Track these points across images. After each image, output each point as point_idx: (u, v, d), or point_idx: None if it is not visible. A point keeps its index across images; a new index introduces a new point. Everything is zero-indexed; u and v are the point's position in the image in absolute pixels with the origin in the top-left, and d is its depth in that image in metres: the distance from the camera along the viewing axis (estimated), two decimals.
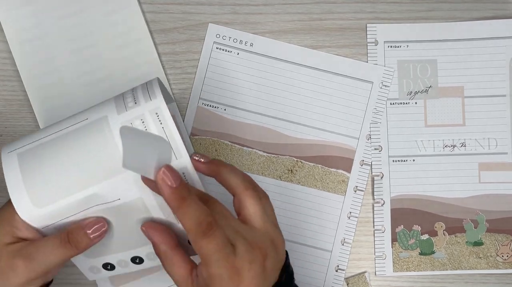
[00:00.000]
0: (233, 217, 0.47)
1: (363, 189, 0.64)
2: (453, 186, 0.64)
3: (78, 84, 0.63)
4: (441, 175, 0.64)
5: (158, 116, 0.47)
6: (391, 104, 0.65)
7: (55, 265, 0.48)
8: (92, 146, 0.47)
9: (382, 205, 0.64)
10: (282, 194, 0.64)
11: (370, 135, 0.64)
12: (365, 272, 0.64)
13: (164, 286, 0.62)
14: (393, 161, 0.64)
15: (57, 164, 0.47)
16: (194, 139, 0.63)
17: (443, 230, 0.64)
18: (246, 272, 0.44)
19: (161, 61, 0.64)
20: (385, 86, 0.64)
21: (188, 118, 0.64)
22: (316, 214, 0.64)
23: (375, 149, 0.64)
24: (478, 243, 0.64)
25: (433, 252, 0.64)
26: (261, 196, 0.48)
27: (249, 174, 0.53)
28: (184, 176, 0.48)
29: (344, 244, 0.64)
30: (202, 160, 0.50)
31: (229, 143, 0.64)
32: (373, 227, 0.64)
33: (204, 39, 0.64)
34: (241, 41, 0.64)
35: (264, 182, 0.64)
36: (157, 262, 0.50)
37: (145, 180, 0.46)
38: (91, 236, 0.48)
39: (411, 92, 0.65)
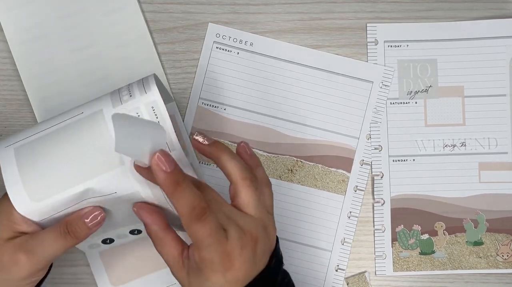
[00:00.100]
0: (226, 203, 0.48)
1: (363, 189, 0.64)
2: (453, 185, 0.64)
3: (78, 83, 0.63)
4: (441, 175, 0.64)
5: (154, 110, 0.47)
6: (391, 103, 0.65)
7: (57, 256, 0.49)
8: (87, 140, 0.47)
9: (382, 204, 0.64)
10: (282, 193, 0.64)
11: (370, 134, 0.64)
12: (365, 271, 0.64)
13: (163, 286, 0.62)
14: (393, 160, 0.64)
15: (54, 159, 0.47)
16: None
17: (443, 230, 0.64)
18: (237, 257, 0.45)
19: (161, 61, 0.64)
20: (385, 85, 0.64)
21: (188, 118, 0.64)
22: (316, 214, 0.64)
23: (375, 148, 0.64)
24: (478, 243, 0.64)
25: (433, 252, 0.64)
26: (258, 186, 0.49)
27: None
28: None
29: (344, 243, 0.64)
30: (203, 141, 0.50)
31: (229, 143, 0.64)
32: (373, 226, 0.64)
33: (204, 38, 0.64)
34: (241, 41, 0.64)
35: None
36: None
37: (138, 168, 0.46)
38: (90, 224, 0.49)
39: (411, 91, 0.65)
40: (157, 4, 0.64)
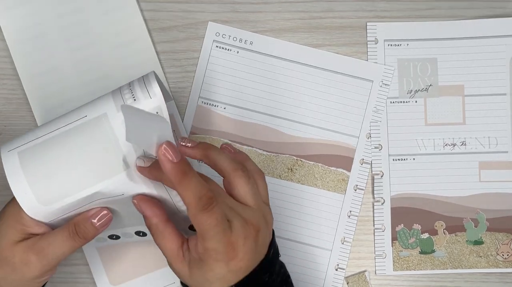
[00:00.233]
0: (227, 195, 0.49)
1: (363, 188, 0.64)
2: (453, 185, 0.64)
3: (77, 83, 0.63)
4: (441, 174, 0.64)
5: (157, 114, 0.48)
6: (391, 102, 0.65)
7: (65, 256, 0.50)
8: (94, 145, 0.48)
9: (382, 203, 0.64)
10: (282, 193, 0.64)
11: (370, 133, 0.64)
12: (365, 271, 0.64)
13: (162, 285, 0.62)
14: (393, 159, 0.64)
15: (61, 163, 0.48)
16: (194, 137, 0.63)
17: (443, 229, 0.64)
18: (241, 247, 0.46)
19: (160, 60, 0.63)
20: (385, 84, 0.64)
21: (187, 117, 0.64)
22: (316, 213, 0.64)
23: (375, 147, 0.64)
24: (478, 242, 0.64)
25: (433, 251, 0.64)
26: (250, 175, 0.49)
27: None
28: None
29: (344, 243, 0.64)
30: (189, 145, 0.50)
31: (229, 142, 0.63)
32: (373, 226, 0.64)
33: (203, 37, 0.64)
34: (241, 40, 0.64)
35: None
36: None
37: (139, 168, 0.47)
38: (97, 225, 0.50)
39: (411, 90, 0.64)
40: (157, 3, 0.64)
